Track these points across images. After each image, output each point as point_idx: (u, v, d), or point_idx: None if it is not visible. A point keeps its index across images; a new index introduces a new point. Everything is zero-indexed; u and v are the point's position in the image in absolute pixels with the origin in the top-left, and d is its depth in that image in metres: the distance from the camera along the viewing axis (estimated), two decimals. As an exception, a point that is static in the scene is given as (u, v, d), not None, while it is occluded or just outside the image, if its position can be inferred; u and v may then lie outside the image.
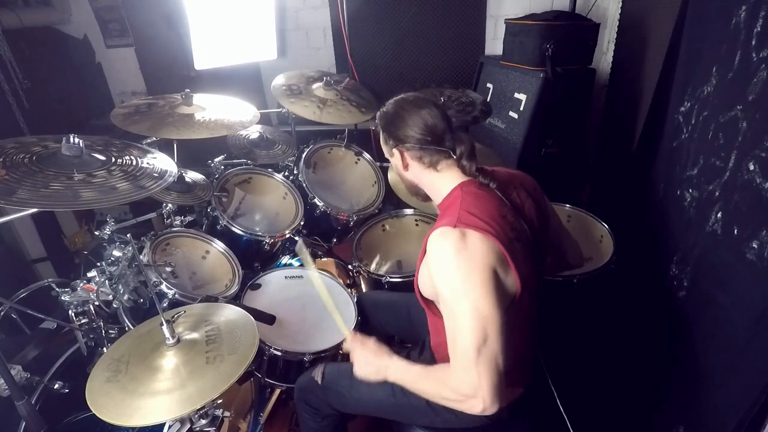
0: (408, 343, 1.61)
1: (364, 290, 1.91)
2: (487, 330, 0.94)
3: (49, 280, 1.57)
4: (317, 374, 1.34)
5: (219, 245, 1.83)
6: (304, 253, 1.59)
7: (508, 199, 1.11)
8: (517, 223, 1.09)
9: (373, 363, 1.18)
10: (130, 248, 1.52)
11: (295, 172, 2.23)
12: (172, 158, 1.64)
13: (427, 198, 1.23)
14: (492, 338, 0.95)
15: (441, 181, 1.14)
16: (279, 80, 2.25)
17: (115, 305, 1.51)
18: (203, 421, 1.17)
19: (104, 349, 1.47)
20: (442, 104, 1.15)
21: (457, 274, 0.96)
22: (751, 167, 1.09)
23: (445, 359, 1.20)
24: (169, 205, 1.80)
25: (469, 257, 0.96)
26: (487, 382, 0.94)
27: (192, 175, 1.93)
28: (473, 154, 1.11)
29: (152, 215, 1.84)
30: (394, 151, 1.16)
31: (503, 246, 0.98)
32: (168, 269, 1.57)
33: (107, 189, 1.13)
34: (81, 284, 1.45)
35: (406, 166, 1.17)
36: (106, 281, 1.47)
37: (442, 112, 1.12)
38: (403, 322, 1.57)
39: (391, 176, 2.05)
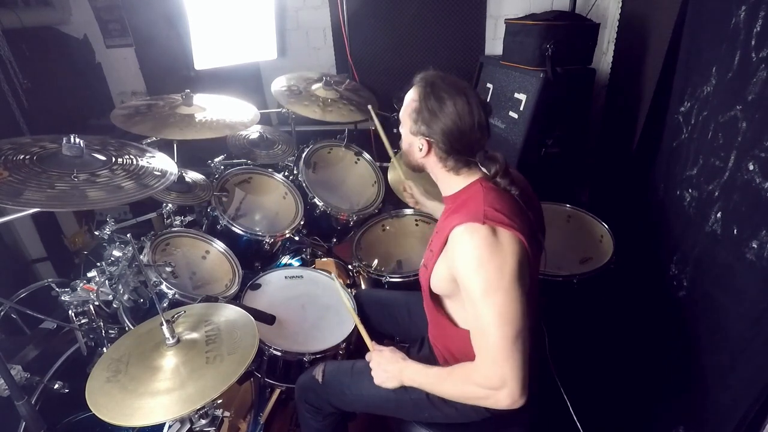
0: (406, 341, 1.62)
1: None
2: (519, 323, 0.96)
3: (49, 280, 1.56)
4: (318, 373, 1.35)
5: (219, 245, 1.83)
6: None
7: (523, 200, 1.12)
8: (530, 223, 1.09)
9: (387, 369, 1.20)
10: (130, 248, 1.52)
11: (295, 172, 2.23)
12: (172, 158, 1.64)
13: (418, 171, 1.22)
14: (524, 331, 0.97)
15: (457, 180, 1.14)
16: (279, 83, 2.25)
17: (115, 305, 1.51)
18: (203, 421, 1.17)
19: (104, 349, 1.47)
20: (488, 108, 1.09)
21: (491, 270, 0.96)
22: (751, 167, 1.09)
23: (445, 353, 1.21)
24: (169, 205, 1.81)
25: (501, 253, 0.97)
26: (517, 373, 0.96)
27: (192, 175, 1.93)
28: (507, 172, 1.09)
29: (152, 215, 1.84)
30: (422, 138, 1.10)
31: (528, 243, 1.00)
32: (168, 269, 1.57)
33: (113, 188, 1.14)
34: (81, 284, 1.45)
35: (424, 156, 1.13)
36: (106, 281, 1.47)
37: (486, 120, 1.08)
38: (402, 321, 1.57)
39: (391, 176, 2.05)
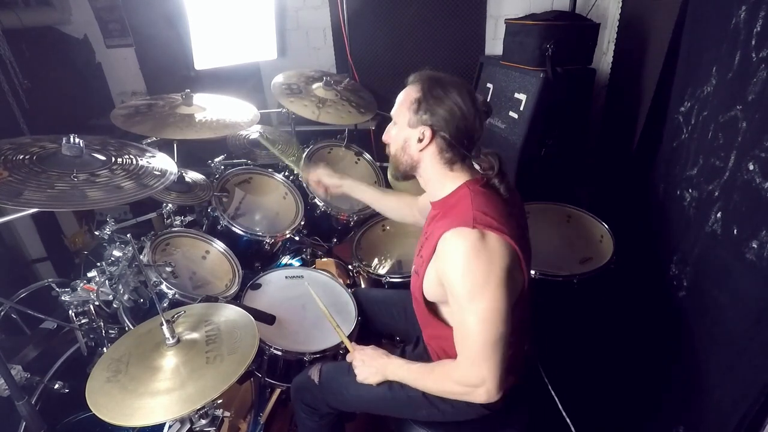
0: (402, 339, 1.62)
1: (363, 290, 1.91)
2: (501, 329, 0.99)
3: (49, 280, 1.56)
4: (314, 373, 1.35)
5: (219, 245, 1.83)
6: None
7: (511, 201, 1.13)
8: (521, 220, 1.11)
9: (371, 365, 1.24)
10: (130, 248, 1.52)
11: (296, 172, 2.23)
12: (172, 158, 1.64)
13: (406, 178, 1.19)
14: (505, 336, 1.00)
15: (446, 178, 1.12)
16: (278, 79, 2.25)
17: (115, 305, 1.51)
18: (203, 421, 1.17)
19: (104, 349, 1.47)
20: (488, 108, 1.10)
21: (477, 275, 0.98)
22: (751, 167, 1.09)
23: (439, 352, 1.22)
24: (169, 205, 1.81)
25: (489, 258, 0.98)
26: (494, 374, 1.01)
27: (192, 175, 1.93)
28: (503, 173, 1.10)
29: (152, 215, 1.84)
30: (423, 127, 1.07)
31: (517, 245, 1.01)
32: (168, 269, 1.57)
33: (113, 188, 1.14)
34: (81, 284, 1.45)
35: (421, 149, 1.09)
36: (106, 281, 1.47)
37: (483, 115, 1.09)
38: (399, 319, 1.57)
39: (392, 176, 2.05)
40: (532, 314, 1.21)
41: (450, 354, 1.18)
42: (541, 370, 1.22)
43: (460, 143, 1.07)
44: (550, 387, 1.20)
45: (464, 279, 0.98)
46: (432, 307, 1.17)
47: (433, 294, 1.12)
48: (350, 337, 1.55)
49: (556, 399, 1.19)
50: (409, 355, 1.33)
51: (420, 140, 1.09)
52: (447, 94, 1.05)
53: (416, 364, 1.17)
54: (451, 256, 1.00)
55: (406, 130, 1.11)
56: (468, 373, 1.03)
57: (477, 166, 1.11)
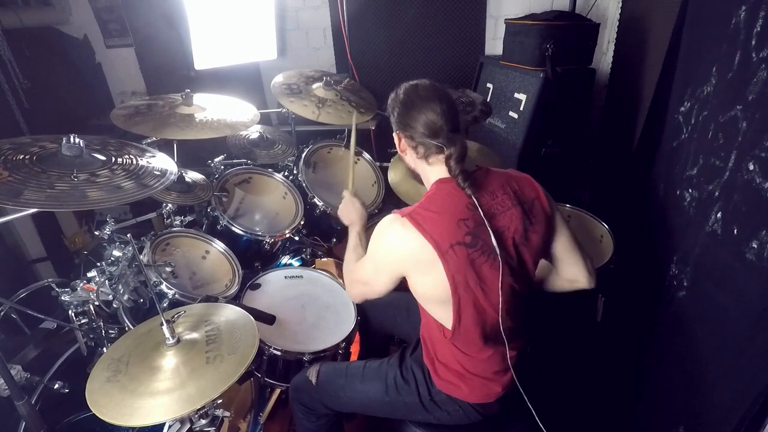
0: (405, 340, 1.62)
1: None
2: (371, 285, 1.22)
3: (49, 280, 1.56)
4: (312, 374, 1.35)
5: (219, 245, 1.83)
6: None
7: (483, 204, 1.08)
8: (478, 230, 1.07)
9: (352, 215, 1.47)
10: (130, 248, 1.52)
11: (295, 171, 2.23)
12: (172, 158, 1.64)
13: (419, 180, 1.27)
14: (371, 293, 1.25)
15: (430, 173, 1.18)
16: (278, 79, 2.25)
17: (115, 305, 1.51)
18: (203, 421, 1.17)
19: (104, 349, 1.47)
20: (452, 99, 1.14)
21: (373, 245, 1.15)
22: (751, 167, 1.09)
23: (428, 341, 1.24)
24: (169, 205, 1.80)
25: (392, 244, 1.09)
26: (359, 296, 1.32)
27: (192, 175, 1.93)
28: (463, 157, 1.11)
29: (152, 215, 1.84)
30: (395, 134, 1.21)
31: (438, 251, 1.03)
32: (168, 269, 1.57)
33: (113, 188, 1.14)
34: (81, 284, 1.45)
35: (403, 151, 1.22)
36: (106, 281, 1.47)
37: (447, 107, 1.10)
38: (401, 321, 1.57)
39: (391, 176, 2.05)
40: (510, 319, 1.17)
41: (435, 341, 1.20)
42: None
43: (423, 136, 1.12)
44: (526, 398, 1.16)
45: (372, 242, 1.17)
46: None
47: None
48: (350, 337, 1.55)
49: (532, 409, 1.16)
50: (408, 358, 1.32)
51: (401, 148, 1.21)
52: (399, 97, 1.16)
53: (359, 247, 1.37)
54: (377, 228, 1.14)
55: (395, 139, 1.23)
56: (354, 285, 1.30)
57: (448, 151, 1.11)
